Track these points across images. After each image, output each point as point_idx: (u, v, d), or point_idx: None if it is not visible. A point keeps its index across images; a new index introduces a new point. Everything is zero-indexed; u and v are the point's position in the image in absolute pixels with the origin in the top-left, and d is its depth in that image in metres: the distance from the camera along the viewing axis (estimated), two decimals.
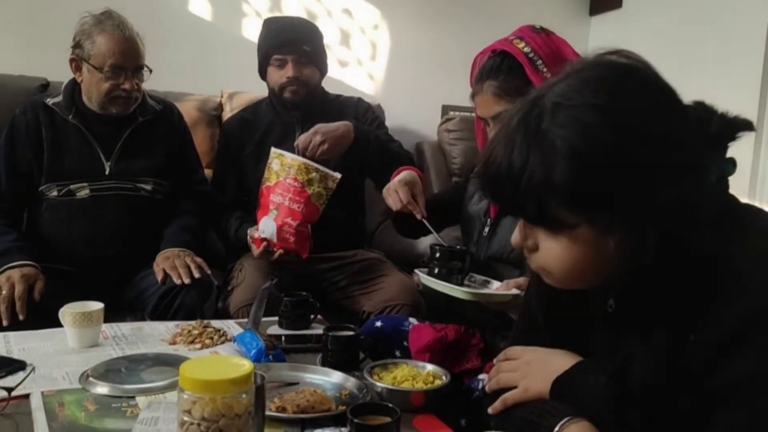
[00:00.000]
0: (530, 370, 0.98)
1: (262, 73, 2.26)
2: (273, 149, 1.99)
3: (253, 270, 2.01)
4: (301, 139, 1.97)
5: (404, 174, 1.67)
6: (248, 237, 2.02)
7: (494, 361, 1.06)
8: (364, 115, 2.33)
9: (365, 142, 2.02)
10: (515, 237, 0.87)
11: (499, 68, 1.40)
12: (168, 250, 1.91)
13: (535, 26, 1.43)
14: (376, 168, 2.07)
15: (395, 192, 1.60)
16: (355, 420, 0.94)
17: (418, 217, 1.54)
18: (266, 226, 1.94)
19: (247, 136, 2.25)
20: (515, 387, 0.99)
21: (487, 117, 1.43)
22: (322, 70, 2.26)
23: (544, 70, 1.36)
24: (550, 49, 1.38)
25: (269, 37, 2.19)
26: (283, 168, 1.94)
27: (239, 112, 2.41)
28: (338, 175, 1.94)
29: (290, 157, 1.94)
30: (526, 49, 1.37)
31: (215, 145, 2.73)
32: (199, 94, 2.77)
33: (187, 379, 0.81)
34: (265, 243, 1.95)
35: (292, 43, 2.15)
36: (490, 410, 1.01)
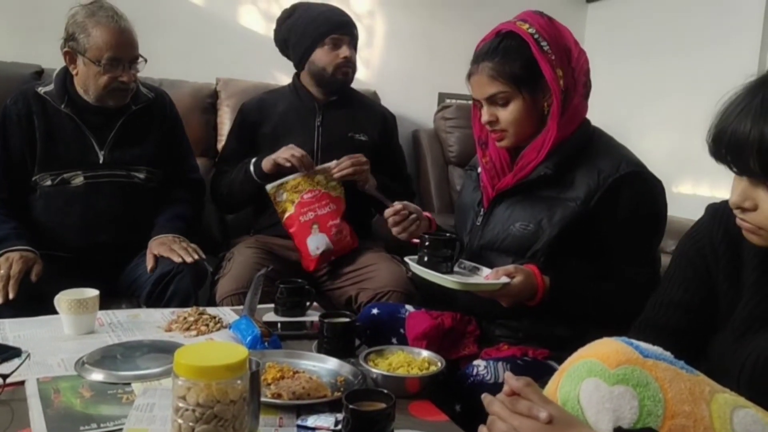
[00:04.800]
0: None
1: (306, 56, 2.22)
2: (267, 186, 2.07)
3: (241, 260, 2.00)
4: (356, 156, 2.08)
5: None
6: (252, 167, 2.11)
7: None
8: (390, 133, 2.42)
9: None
10: (734, 197, 0.89)
11: (496, 50, 1.39)
12: (162, 236, 1.91)
13: (537, 11, 1.43)
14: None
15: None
16: (351, 406, 0.94)
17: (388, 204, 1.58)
18: (318, 242, 2.06)
19: (265, 115, 2.27)
20: None
21: (481, 98, 1.43)
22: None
23: (549, 51, 1.36)
24: (553, 34, 1.38)
25: (324, 20, 2.19)
26: (291, 192, 2.05)
27: (259, 95, 2.41)
28: (332, 163, 2.07)
29: (290, 179, 2.05)
30: (531, 30, 1.36)
31: (210, 132, 2.73)
32: (193, 81, 2.75)
33: (181, 365, 0.81)
34: (322, 252, 2.07)
35: (349, 26, 2.21)
36: None
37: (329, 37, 2.17)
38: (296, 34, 2.22)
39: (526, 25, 1.37)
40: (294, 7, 2.27)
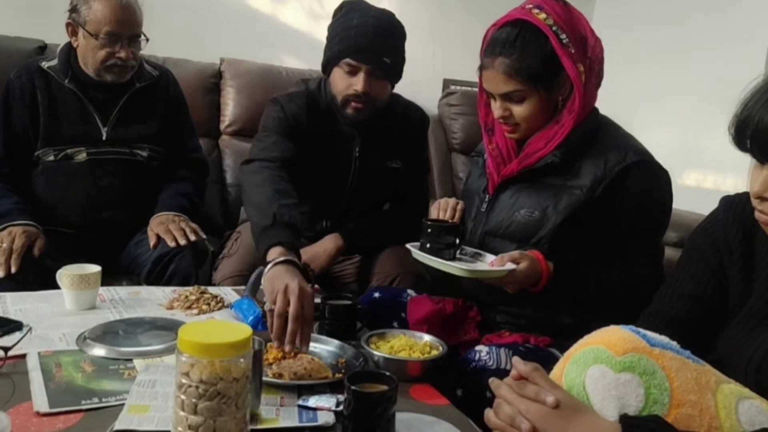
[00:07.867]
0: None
1: (325, 69, 1.86)
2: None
3: (248, 242, 1.90)
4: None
5: None
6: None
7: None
8: (420, 139, 2.10)
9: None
10: (756, 186, 0.87)
11: (514, 44, 1.31)
12: (162, 215, 1.90)
13: None
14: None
15: None
16: (353, 387, 0.94)
17: None
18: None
19: (306, 126, 1.86)
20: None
21: (495, 93, 1.39)
22: (395, 82, 1.92)
23: (569, 44, 1.30)
24: (570, 23, 1.32)
25: (347, 35, 1.75)
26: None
27: (299, 92, 1.96)
28: None
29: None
30: (549, 22, 1.30)
31: (213, 112, 2.71)
32: (197, 60, 2.73)
33: (185, 341, 0.81)
34: None
35: (372, 52, 1.75)
36: None
37: (343, 61, 1.76)
38: (327, 40, 1.83)
39: (543, 15, 1.31)
40: (342, 5, 1.85)
